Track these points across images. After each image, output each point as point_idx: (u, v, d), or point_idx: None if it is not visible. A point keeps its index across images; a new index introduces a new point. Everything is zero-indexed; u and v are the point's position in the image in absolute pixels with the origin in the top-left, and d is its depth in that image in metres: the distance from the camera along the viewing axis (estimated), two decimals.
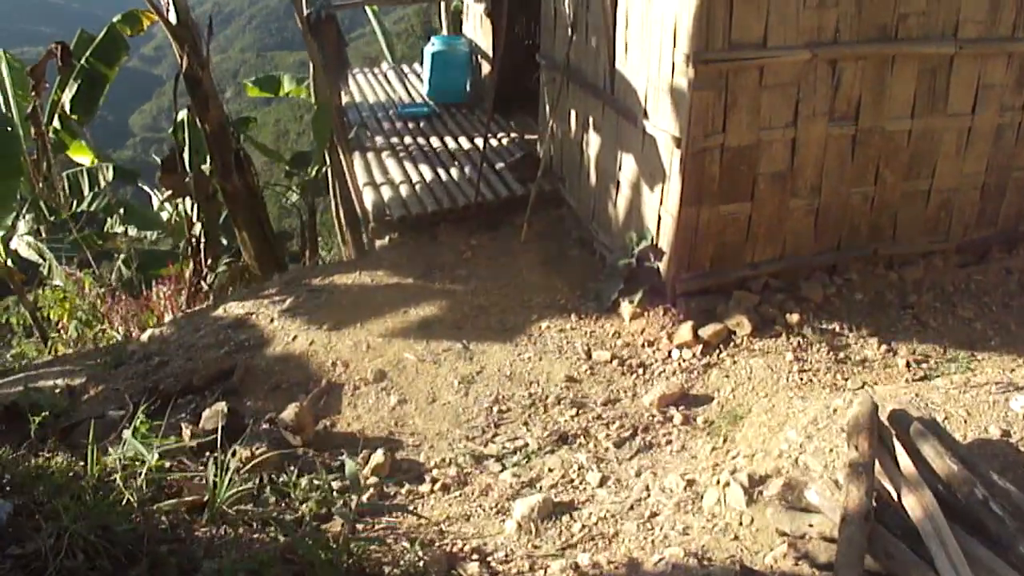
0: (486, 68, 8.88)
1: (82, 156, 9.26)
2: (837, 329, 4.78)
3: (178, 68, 7.23)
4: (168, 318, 6.90)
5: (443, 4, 10.85)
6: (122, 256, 9.30)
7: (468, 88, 9.21)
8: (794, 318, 4.78)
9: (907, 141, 4.95)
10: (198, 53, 7.12)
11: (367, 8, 11.41)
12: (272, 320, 5.55)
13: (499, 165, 7.16)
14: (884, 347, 4.64)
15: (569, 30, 5.92)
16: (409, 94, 9.61)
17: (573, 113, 6.30)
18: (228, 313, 5.84)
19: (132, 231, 9.07)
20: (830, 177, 4.86)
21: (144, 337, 5.92)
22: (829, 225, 5.04)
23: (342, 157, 7.75)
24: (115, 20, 8.07)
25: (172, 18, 7.07)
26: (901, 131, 4.89)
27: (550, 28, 6.57)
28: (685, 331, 4.74)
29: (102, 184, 9.04)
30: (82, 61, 8.09)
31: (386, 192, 6.90)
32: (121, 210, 8.97)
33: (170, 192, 8.29)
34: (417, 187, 6.95)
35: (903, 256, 5.31)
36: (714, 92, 4.38)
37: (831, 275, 5.17)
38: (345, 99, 8.68)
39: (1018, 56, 5.08)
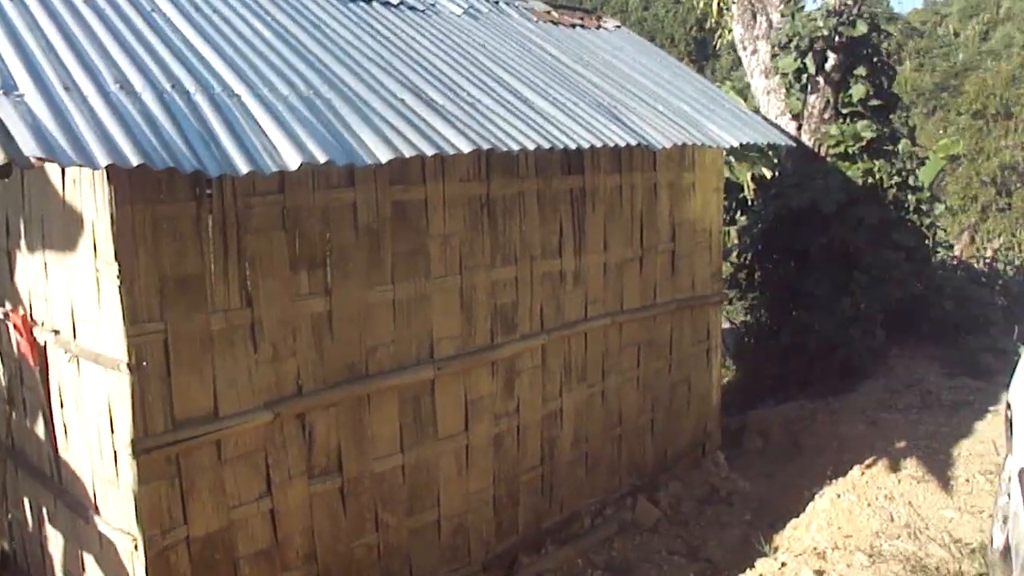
0: None
1: None
2: None
3: None
4: None
5: None
6: None
7: None
8: None
9: (402, 477, 5.23)
10: None
11: None
12: None
13: None
14: None
15: (7, 405, 5.39)
16: None
17: (27, 501, 5.63)
18: None
19: None
20: (324, 538, 4.87)
21: None
22: None
23: None
24: None
25: None
26: (393, 468, 5.15)
27: None
28: None
29: None
30: None
31: None
32: None
33: None
34: None
35: None
36: (165, 482, 4.15)
37: None
38: None
39: (501, 362, 5.84)
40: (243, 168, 3.68)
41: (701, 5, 13.79)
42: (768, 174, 11.37)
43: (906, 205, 10.05)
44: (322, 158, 3.89)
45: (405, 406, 5.20)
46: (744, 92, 14.20)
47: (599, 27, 8.60)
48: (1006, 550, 3.88)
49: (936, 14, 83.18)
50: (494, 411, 5.81)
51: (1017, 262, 21.93)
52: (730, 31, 12.42)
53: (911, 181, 10.05)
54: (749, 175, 11.69)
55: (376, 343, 4.99)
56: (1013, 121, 27.73)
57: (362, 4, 6.29)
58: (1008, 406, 4.84)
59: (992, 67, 34.70)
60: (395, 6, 6.54)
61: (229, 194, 4.23)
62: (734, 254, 11.04)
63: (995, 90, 28.42)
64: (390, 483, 5.18)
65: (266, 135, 4.00)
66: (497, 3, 7.82)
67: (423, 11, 6.73)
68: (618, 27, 9.03)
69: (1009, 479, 4.17)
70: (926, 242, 10.69)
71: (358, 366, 4.90)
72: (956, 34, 78.10)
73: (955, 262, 13.42)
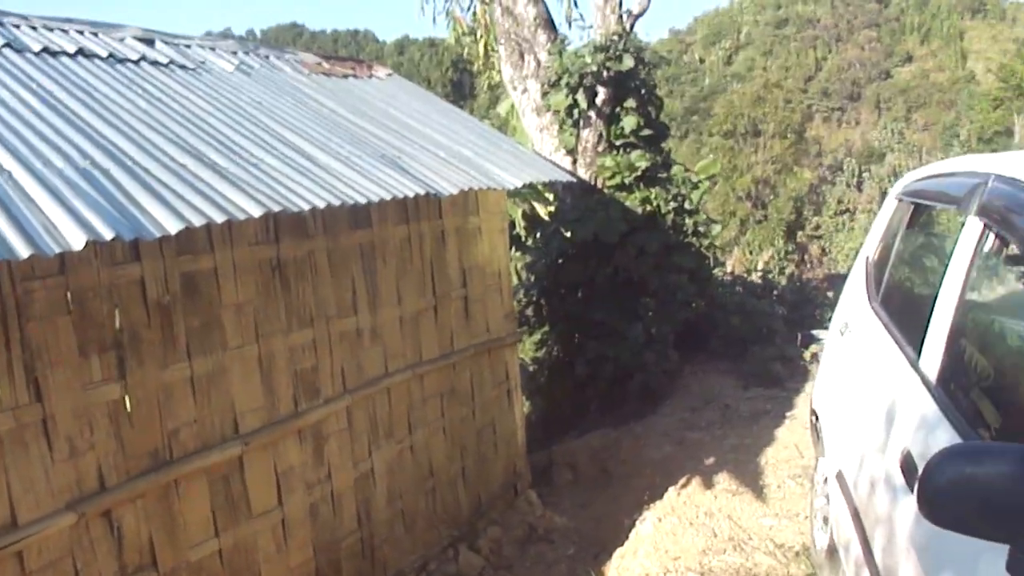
0: None
1: None
2: None
3: None
4: None
5: None
6: None
7: None
8: None
9: (220, 563, 5.24)
10: None
11: None
12: None
13: None
14: None
15: None
16: None
17: None
18: None
19: None
20: None
21: None
22: None
23: None
24: None
25: None
26: (210, 555, 5.15)
27: None
28: None
29: None
30: None
31: None
32: None
33: None
34: None
35: None
36: None
37: None
38: None
39: (308, 429, 6.00)
40: (23, 252, 3.56)
41: (465, 50, 14.48)
42: (540, 209, 12.11)
43: (684, 229, 11.04)
44: (108, 234, 3.84)
45: (215, 487, 5.25)
46: (503, 129, 15.02)
47: (371, 76, 8.95)
48: (831, 550, 4.40)
49: (681, 42, 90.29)
50: (306, 480, 5.95)
51: (787, 271, 24.18)
52: (498, 72, 13.16)
53: (687, 205, 11.06)
54: (520, 212, 12.40)
55: (178, 425, 5.02)
56: (761, 138, 30.67)
57: (130, 65, 6.31)
58: (813, 412, 5.47)
59: (738, 89, 38.14)
60: (165, 65, 6.60)
61: (7, 281, 4.19)
62: (521, 291, 11.65)
63: (742, 110, 31.34)
64: (208, 570, 5.18)
65: (44, 214, 3.91)
66: (268, 58, 8.00)
67: (194, 69, 6.81)
68: (390, 75, 9.41)
69: (825, 481, 4.75)
70: (707, 262, 11.75)
71: (161, 452, 4.92)
72: (701, 60, 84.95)
73: (731, 278, 14.76)
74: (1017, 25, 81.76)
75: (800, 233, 31.54)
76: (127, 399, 4.77)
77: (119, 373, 4.73)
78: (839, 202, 35.41)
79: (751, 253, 28.62)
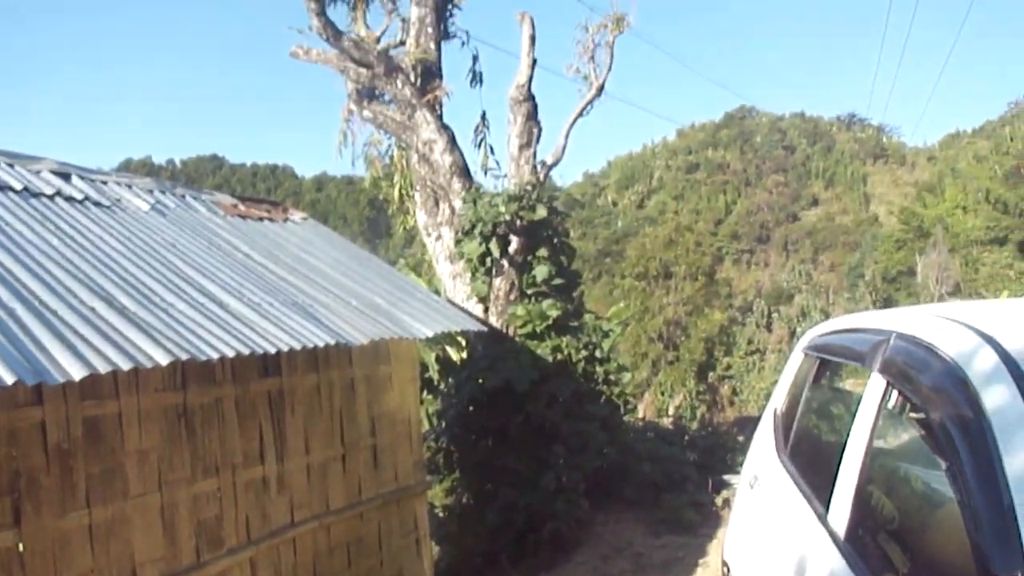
0: None
1: None
2: None
3: None
4: None
5: None
6: None
7: None
8: None
9: None
10: None
11: None
12: None
13: None
14: None
15: None
16: None
17: None
18: None
19: None
20: None
21: None
22: None
23: None
24: None
25: None
26: None
27: None
28: None
29: None
30: None
31: None
32: None
33: None
34: None
35: None
36: None
37: None
38: None
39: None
40: None
41: (381, 193, 14.83)
42: (453, 354, 12.29)
43: (596, 377, 11.29)
44: (9, 379, 3.84)
45: None
46: (418, 269, 15.34)
47: (287, 219, 9.13)
48: None
49: (595, 186, 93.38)
50: None
51: (699, 412, 24.59)
52: (413, 217, 13.51)
53: (597, 353, 11.35)
54: (433, 356, 12.54)
55: (74, 575, 4.94)
56: (673, 280, 31.64)
57: (45, 200, 6.39)
58: (724, 564, 5.51)
59: (650, 232, 39.50)
60: (80, 202, 6.69)
61: None
62: (431, 437, 11.66)
63: (654, 253, 32.40)
64: None
65: None
66: (184, 197, 8.14)
67: (109, 207, 6.91)
68: (305, 219, 9.61)
69: None
70: (618, 410, 11.98)
71: None
72: (615, 203, 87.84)
73: (643, 423, 15.03)
74: (917, 169, 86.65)
75: (711, 374, 32.16)
76: (21, 546, 4.68)
77: (14, 519, 4.66)
78: (749, 342, 36.31)
79: (663, 395, 29.08)
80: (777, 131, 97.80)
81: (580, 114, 13.06)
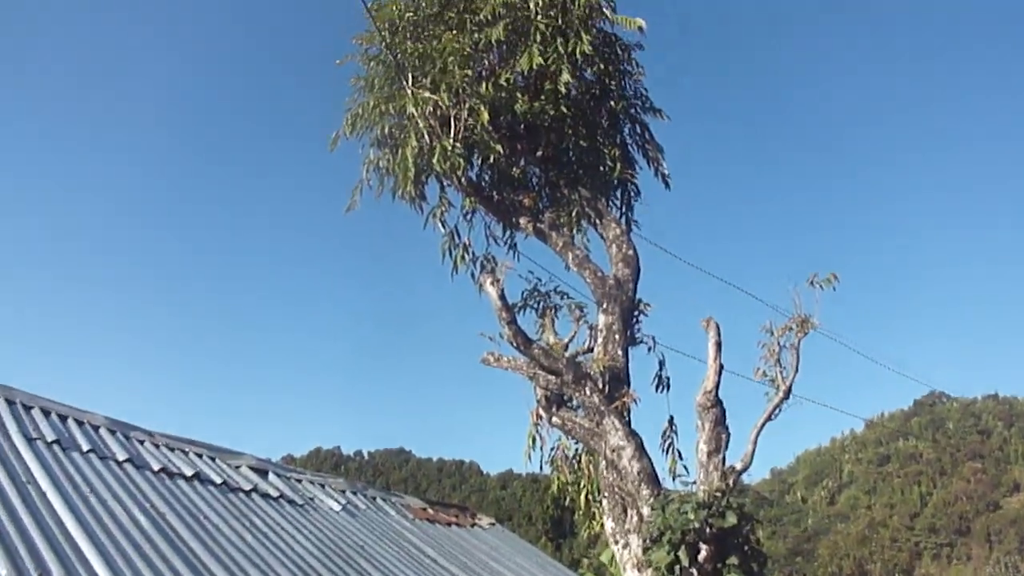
0: None
1: None
2: None
3: None
4: None
5: None
6: None
7: None
8: None
9: None
10: None
11: None
12: None
13: None
14: None
15: None
16: None
17: None
18: None
19: None
20: None
21: None
22: None
23: None
24: None
25: None
26: None
27: None
28: None
29: None
30: None
31: None
32: None
33: None
34: None
35: None
36: None
37: None
38: None
39: None
40: None
41: (567, 499, 14.54)
42: None
43: None
44: None
45: None
46: (601, 570, 14.65)
47: (474, 524, 9.03)
48: None
49: (783, 482, 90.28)
50: None
51: None
52: (599, 523, 13.04)
53: None
54: None
55: None
56: None
57: (242, 495, 6.55)
58: None
59: (842, 529, 37.34)
60: (275, 499, 6.80)
61: None
62: None
63: (848, 551, 30.46)
64: None
65: None
66: (375, 499, 8.17)
67: (302, 505, 7.00)
68: (492, 524, 9.49)
69: None
70: None
71: None
72: (804, 500, 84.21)
73: None
74: None
75: None
76: None
77: None
78: None
79: None
80: (971, 415, 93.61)
81: (768, 418, 12.61)
